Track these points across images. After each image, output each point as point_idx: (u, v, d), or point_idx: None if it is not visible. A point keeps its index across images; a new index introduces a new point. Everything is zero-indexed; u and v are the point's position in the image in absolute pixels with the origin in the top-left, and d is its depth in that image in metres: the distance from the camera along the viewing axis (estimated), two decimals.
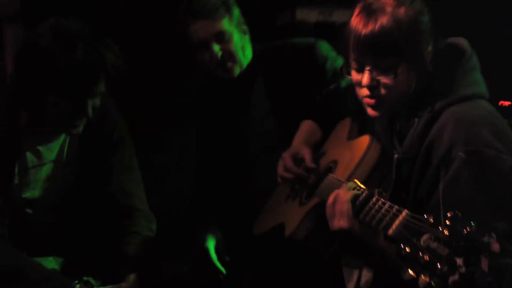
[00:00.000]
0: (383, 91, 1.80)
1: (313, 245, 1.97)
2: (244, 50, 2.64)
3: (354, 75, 1.84)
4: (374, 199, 1.69)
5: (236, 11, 2.62)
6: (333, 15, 3.63)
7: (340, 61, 2.66)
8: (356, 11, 1.80)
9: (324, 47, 2.68)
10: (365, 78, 1.79)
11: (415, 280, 1.40)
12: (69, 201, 2.38)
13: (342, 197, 1.77)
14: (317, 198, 2.02)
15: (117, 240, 2.35)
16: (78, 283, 2.16)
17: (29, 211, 2.35)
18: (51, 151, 2.36)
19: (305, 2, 3.64)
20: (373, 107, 1.84)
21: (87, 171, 2.39)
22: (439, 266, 1.36)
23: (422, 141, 1.80)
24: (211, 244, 2.61)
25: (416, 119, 1.82)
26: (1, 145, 2.25)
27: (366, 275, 1.90)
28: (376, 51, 1.74)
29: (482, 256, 1.33)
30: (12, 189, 2.29)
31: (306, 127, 2.34)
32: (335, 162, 2.12)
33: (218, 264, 2.56)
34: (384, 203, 1.66)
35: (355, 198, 1.75)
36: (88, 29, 2.16)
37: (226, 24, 2.57)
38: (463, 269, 1.34)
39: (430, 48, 1.81)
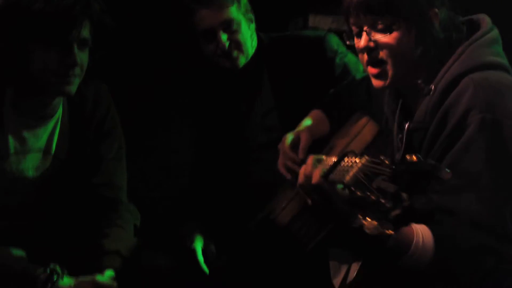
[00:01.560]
0: (382, 53, 1.72)
1: (297, 231, 1.86)
2: (252, 40, 2.50)
3: (355, 41, 1.78)
4: (345, 159, 1.56)
5: None
6: (338, 22, 3.49)
7: (350, 57, 2.53)
8: None
9: (335, 41, 2.53)
10: (363, 39, 1.73)
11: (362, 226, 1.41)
12: (52, 191, 2.24)
13: (309, 163, 1.68)
14: None
15: (97, 232, 2.20)
16: (43, 270, 2.01)
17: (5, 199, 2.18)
18: (37, 138, 2.21)
19: (319, 9, 3.51)
20: (377, 76, 1.76)
21: (75, 161, 2.26)
22: (383, 203, 1.35)
23: (437, 109, 1.68)
24: (198, 245, 2.44)
25: (432, 86, 1.71)
26: None
27: (354, 271, 1.79)
28: (372, 10, 1.69)
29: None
30: None
31: (314, 115, 2.22)
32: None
33: (204, 266, 2.40)
34: (354, 160, 1.54)
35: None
36: None
37: (234, 12, 2.43)
38: (406, 203, 1.35)
39: (436, 10, 1.70)
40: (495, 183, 1.59)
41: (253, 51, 2.51)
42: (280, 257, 2.21)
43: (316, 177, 1.60)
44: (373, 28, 1.71)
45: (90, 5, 2.05)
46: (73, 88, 2.09)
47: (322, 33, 2.55)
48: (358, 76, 2.40)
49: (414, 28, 1.69)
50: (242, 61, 2.47)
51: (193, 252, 2.40)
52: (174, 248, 2.38)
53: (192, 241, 2.44)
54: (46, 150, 2.22)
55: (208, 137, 2.65)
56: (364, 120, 2.03)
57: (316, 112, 2.24)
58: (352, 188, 1.42)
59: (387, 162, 1.41)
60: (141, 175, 2.49)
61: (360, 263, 1.80)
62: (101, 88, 2.32)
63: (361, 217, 1.42)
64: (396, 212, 1.37)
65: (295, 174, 2.05)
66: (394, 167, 1.39)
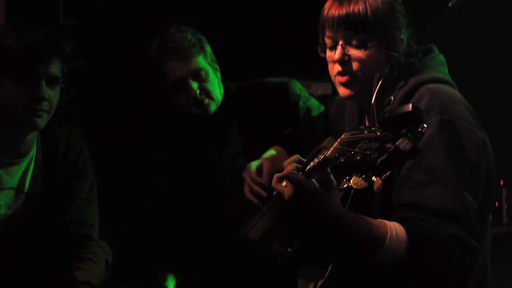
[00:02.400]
0: (354, 65, 1.87)
1: (267, 247, 1.86)
2: (219, 88, 2.63)
3: (328, 53, 1.93)
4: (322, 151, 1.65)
5: (209, 49, 2.63)
6: (311, 87, 3.66)
7: (313, 101, 2.66)
8: None
9: (298, 86, 2.68)
10: (338, 52, 1.88)
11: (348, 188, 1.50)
12: (24, 228, 2.27)
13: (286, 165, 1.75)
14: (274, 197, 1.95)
15: (69, 266, 2.23)
16: None
17: None
18: (11, 176, 2.27)
19: (284, 74, 3.68)
20: (345, 84, 1.90)
21: (47, 200, 2.31)
22: (369, 153, 1.42)
23: None
24: (171, 284, 2.46)
25: (392, 97, 1.87)
26: None
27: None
28: (349, 27, 1.85)
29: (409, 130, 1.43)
30: None
31: (275, 148, 2.30)
32: None
33: None
34: (331, 143, 1.63)
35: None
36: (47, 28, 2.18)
37: (201, 62, 2.57)
38: (391, 148, 1.42)
39: (402, 35, 1.90)
40: (457, 176, 1.71)
41: (222, 97, 2.63)
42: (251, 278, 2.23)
43: (289, 168, 1.69)
44: (348, 43, 1.86)
45: (59, 44, 2.17)
46: (41, 122, 2.17)
47: (285, 80, 2.69)
48: None
49: (384, 48, 1.86)
50: (212, 107, 2.59)
51: None
52: (146, 285, 2.40)
53: (164, 280, 2.47)
54: (19, 188, 2.27)
55: (180, 181, 2.71)
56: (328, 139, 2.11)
57: (276, 147, 2.33)
58: (335, 156, 1.50)
59: (366, 132, 1.50)
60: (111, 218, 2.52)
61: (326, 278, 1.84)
62: (74, 131, 2.41)
63: (347, 178, 1.49)
64: (383, 157, 1.42)
65: (262, 199, 2.13)
66: (374, 127, 1.48)
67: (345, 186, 1.56)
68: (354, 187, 1.49)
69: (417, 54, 1.93)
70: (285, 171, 1.69)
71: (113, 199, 2.58)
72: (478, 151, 1.77)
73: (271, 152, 2.25)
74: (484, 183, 1.80)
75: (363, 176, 1.48)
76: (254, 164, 2.18)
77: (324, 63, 2.77)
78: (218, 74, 2.65)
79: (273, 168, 2.14)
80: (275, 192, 1.93)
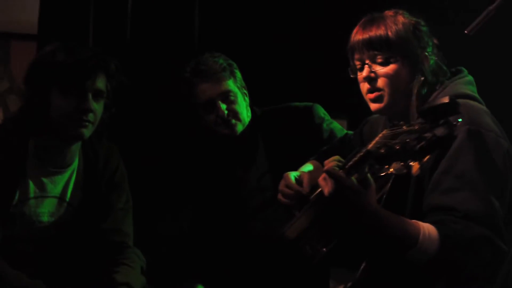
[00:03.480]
0: (380, 81, 2.04)
1: (303, 246, 1.96)
2: (247, 111, 2.79)
3: (359, 74, 2.10)
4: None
5: (239, 75, 2.80)
6: None
7: (335, 124, 2.81)
8: (361, 22, 2.10)
9: (321, 110, 2.83)
10: (365, 70, 2.06)
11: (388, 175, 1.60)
12: (64, 236, 2.42)
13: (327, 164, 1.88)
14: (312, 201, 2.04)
15: (107, 270, 2.36)
16: None
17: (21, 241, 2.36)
18: (55, 185, 2.41)
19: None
20: (374, 100, 2.06)
21: (87, 209, 2.45)
22: (408, 142, 1.56)
23: None
24: None
25: None
26: (6, 169, 2.31)
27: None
28: (372, 47, 2.04)
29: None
30: (8, 216, 2.31)
31: (311, 163, 2.40)
32: None
33: None
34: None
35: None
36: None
37: (231, 85, 2.74)
38: (429, 136, 1.54)
39: (426, 52, 2.06)
40: (485, 182, 1.82)
41: (249, 120, 2.79)
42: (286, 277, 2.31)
43: (330, 166, 1.83)
44: (373, 61, 2.04)
45: (106, 61, 2.36)
46: (86, 132, 2.33)
47: (310, 104, 2.85)
48: None
49: (408, 64, 2.03)
50: (239, 128, 2.74)
51: None
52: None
53: None
54: (62, 197, 2.42)
55: (208, 200, 2.84)
56: None
57: (313, 161, 2.44)
58: (377, 147, 1.64)
59: (405, 128, 1.63)
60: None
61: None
62: (113, 147, 2.58)
63: (387, 167, 1.62)
64: (422, 143, 1.55)
65: (295, 204, 2.23)
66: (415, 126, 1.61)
67: (384, 173, 1.66)
68: (394, 172, 1.60)
69: (446, 73, 2.08)
70: (325, 168, 1.82)
71: (142, 211, 2.70)
72: (505, 160, 1.87)
73: (308, 166, 2.36)
74: (510, 191, 1.90)
75: (402, 163, 1.59)
76: (292, 174, 2.26)
77: (339, 101, 2.99)
78: (247, 99, 2.81)
79: (312, 180, 2.22)
80: (312, 197, 2.08)
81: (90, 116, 2.32)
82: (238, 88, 2.78)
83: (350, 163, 1.76)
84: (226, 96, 2.72)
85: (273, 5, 3.42)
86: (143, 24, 3.48)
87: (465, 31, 2.23)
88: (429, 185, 1.88)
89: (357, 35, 2.08)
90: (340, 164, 1.83)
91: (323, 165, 2.37)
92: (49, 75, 2.28)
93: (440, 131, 1.55)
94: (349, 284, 1.98)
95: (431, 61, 2.06)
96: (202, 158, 2.91)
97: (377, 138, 1.71)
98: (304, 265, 1.99)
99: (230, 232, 2.77)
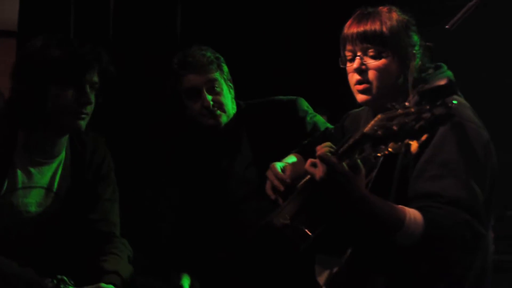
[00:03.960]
0: (370, 74, 2.09)
1: (291, 232, 2.00)
2: (232, 103, 2.83)
3: (348, 64, 2.15)
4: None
5: (226, 68, 2.84)
6: None
7: (319, 117, 2.86)
8: (356, 14, 2.15)
9: (305, 103, 2.87)
10: (356, 62, 2.11)
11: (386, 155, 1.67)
12: (51, 226, 2.44)
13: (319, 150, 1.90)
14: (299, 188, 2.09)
15: (95, 260, 2.39)
16: (52, 280, 2.17)
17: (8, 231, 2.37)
18: (42, 175, 2.43)
19: None
20: (362, 92, 2.11)
21: (74, 199, 2.48)
22: (407, 122, 1.62)
23: None
24: (185, 283, 2.61)
25: (406, 103, 2.02)
26: None
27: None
28: (365, 40, 2.09)
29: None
30: None
31: (294, 155, 2.44)
32: None
33: None
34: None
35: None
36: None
37: (217, 77, 2.78)
38: (428, 116, 1.61)
39: (415, 51, 2.12)
40: (467, 170, 1.90)
41: (233, 113, 2.83)
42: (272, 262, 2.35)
43: (322, 151, 1.86)
44: (365, 54, 2.09)
45: (101, 55, 2.40)
46: (83, 124, 2.37)
47: (293, 97, 2.89)
48: None
49: (398, 60, 2.08)
50: (224, 119, 2.77)
51: None
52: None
53: (179, 279, 2.61)
54: (49, 188, 2.44)
55: (192, 191, 2.87)
56: None
57: (295, 154, 2.47)
58: (374, 129, 1.69)
59: (400, 109, 1.68)
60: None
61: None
62: (100, 138, 2.60)
63: (383, 147, 1.68)
64: (421, 123, 1.61)
65: (281, 195, 2.29)
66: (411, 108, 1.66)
67: (381, 154, 1.72)
68: (392, 151, 1.67)
69: (428, 70, 2.16)
70: (318, 153, 1.87)
71: (128, 203, 2.73)
72: (485, 149, 1.96)
73: (291, 157, 2.40)
74: (489, 179, 1.99)
75: (400, 143, 1.66)
76: (278, 165, 2.32)
77: (321, 96, 3.04)
78: (232, 91, 2.85)
79: (295, 171, 2.29)
80: (299, 184, 2.14)
81: (88, 109, 2.36)
82: (224, 80, 2.81)
83: (343, 148, 1.82)
84: (212, 86, 2.75)
85: (255, 1, 3.47)
86: (125, 20, 3.50)
87: (446, 26, 2.33)
88: (413, 172, 1.95)
89: (352, 28, 2.13)
90: (332, 150, 1.88)
91: (305, 158, 2.46)
92: (44, 70, 2.30)
93: (438, 111, 1.61)
94: (334, 270, 2.04)
95: (417, 60, 2.12)
96: (187, 150, 2.93)
97: (372, 122, 1.75)
98: (291, 250, 2.03)
99: (215, 223, 2.81)
